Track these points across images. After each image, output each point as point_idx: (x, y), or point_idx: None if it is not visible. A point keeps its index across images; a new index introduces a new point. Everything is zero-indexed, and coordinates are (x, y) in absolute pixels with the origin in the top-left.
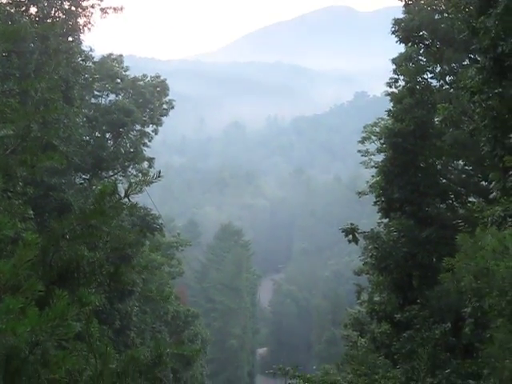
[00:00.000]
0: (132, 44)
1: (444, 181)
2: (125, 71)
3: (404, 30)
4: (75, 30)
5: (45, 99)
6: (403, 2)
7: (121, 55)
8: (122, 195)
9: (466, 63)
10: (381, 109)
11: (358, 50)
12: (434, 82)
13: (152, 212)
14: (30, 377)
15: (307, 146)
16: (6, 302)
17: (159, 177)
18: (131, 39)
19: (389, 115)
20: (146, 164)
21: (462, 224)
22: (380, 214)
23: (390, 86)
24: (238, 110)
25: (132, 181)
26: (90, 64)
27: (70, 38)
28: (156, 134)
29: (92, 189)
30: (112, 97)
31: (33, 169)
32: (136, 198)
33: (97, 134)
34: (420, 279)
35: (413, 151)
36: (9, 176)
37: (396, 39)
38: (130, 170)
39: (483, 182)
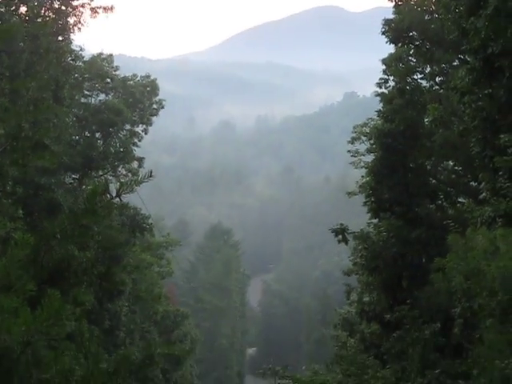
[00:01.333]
0: (122, 43)
1: (434, 181)
2: (115, 71)
3: (394, 31)
4: (65, 29)
5: (35, 99)
6: (393, 3)
7: (111, 55)
8: (113, 195)
9: (456, 64)
10: (371, 109)
11: (349, 51)
12: (424, 83)
13: (141, 211)
14: (22, 377)
15: (297, 145)
16: (0, 301)
17: (150, 176)
18: (121, 38)
19: (379, 116)
20: (135, 164)
21: (452, 224)
22: (370, 214)
23: (380, 87)
24: (228, 109)
25: (123, 180)
26: (80, 63)
27: (61, 38)
28: (146, 133)
29: (82, 188)
30: (102, 96)
31: (24, 168)
32: (126, 198)
33: (87, 133)
34: (409, 279)
35: (403, 152)
36: (0, 175)
37: (386, 40)
38: (119, 169)
39: (473, 183)
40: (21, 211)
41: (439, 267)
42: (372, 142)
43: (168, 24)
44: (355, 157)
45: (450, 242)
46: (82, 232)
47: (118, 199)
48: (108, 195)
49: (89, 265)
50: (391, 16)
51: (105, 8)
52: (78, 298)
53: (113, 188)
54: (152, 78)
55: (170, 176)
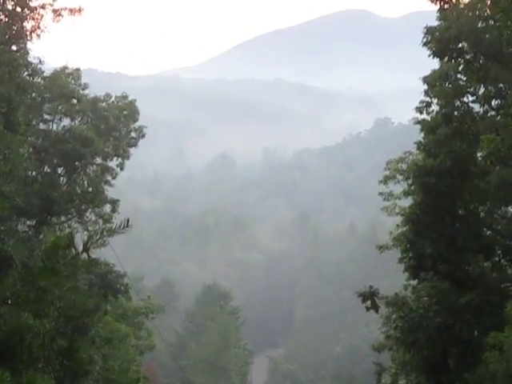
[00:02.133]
0: (93, 55)
1: (489, 232)
2: (83, 89)
3: (439, 41)
4: (21, 36)
5: None
6: (437, 6)
7: (78, 69)
8: (80, 249)
9: None
10: (408, 140)
11: (380, 66)
12: (477, 107)
13: (115, 269)
14: None
15: (314, 185)
16: None
17: (127, 226)
18: (92, 49)
19: (419, 148)
20: (108, 207)
21: None
22: (407, 273)
23: (421, 112)
24: (227, 139)
25: (91, 230)
26: (39, 80)
27: (15, 47)
28: (122, 169)
29: (39, 239)
30: (66, 122)
31: None
32: (96, 252)
33: (46, 168)
34: (458, 358)
35: (449, 194)
36: None
37: (428, 52)
38: (87, 215)
39: None
40: None
41: (495, 343)
42: (410, 181)
43: (152, 33)
44: (388, 201)
45: (509, 312)
46: (39, 296)
47: (85, 254)
48: (73, 250)
49: (47, 338)
50: (434, 23)
51: (71, 10)
52: (33, 381)
53: (79, 240)
54: (130, 98)
55: (153, 223)
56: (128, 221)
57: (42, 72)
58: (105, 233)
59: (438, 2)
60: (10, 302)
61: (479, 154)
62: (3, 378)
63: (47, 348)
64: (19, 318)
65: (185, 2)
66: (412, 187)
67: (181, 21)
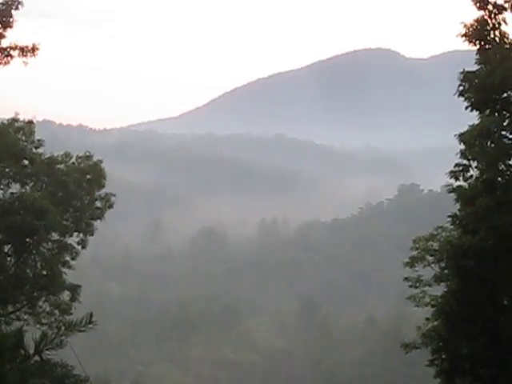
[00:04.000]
0: (49, 105)
1: None
2: (37, 147)
3: (478, 90)
4: None
5: None
6: (476, 46)
7: (31, 122)
8: (30, 350)
9: None
10: (440, 212)
11: (404, 119)
12: None
13: (75, 372)
14: None
15: (323, 268)
16: None
17: (90, 323)
18: (48, 98)
19: (453, 223)
20: (66, 295)
21: None
22: (439, 379)
23: (456, 177)
24: (215, 210)
25: (47, 328)
26: None
27: None
28: (84, 247)
29: None
30: (15, 187)
31: None
32: (51, 352)
33: None
34: None
35: (491, 280)
36: None
37: (466, 103)
38: (40, 303)
39: None
40: None
41: None
42: (443, 264)
43: (122, 78)
44: (416, 288)
45: None
46: None
47: (37, 356)
48: (22, 351)
49: None
50: (473, 67)
51: (22, 49)
52: None
53: (30, 338)
54: (95, 159)
55: (122, 314)
56: (91, 316)
57: None
58: (63, 330)
59: (476, 42)
60: None
61: None
62: None
63: None
64: None
65: (166, 39)
66: (445, 271)
67: (157, 62)
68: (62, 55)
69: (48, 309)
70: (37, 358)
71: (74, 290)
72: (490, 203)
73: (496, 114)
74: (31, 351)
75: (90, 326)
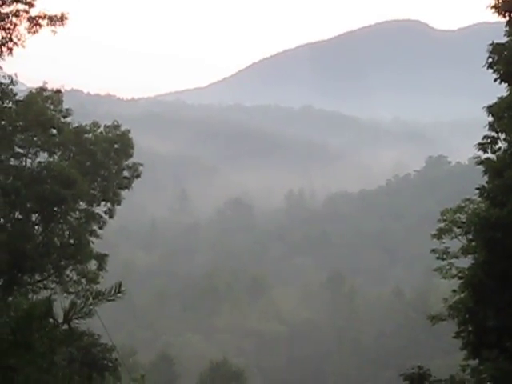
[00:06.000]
0: (78, 74)
1: None
2: (65, 117)
3: (507, 63)
4: None
5: None
6: (506, 18)
7: (59, 91)
8: (59, 318)
9: None
10: (468, 184)
11: (433, 91)
12: None
13: (101, 341)
14: None
15: (350, 239)
16: None
17: (119, 292)
18: (77, 67)
19: (481, 195)
20: (93, 264)
21: None
22: (465, 351)
23: (485, 150)
24: (242, 180)
25: (75, 297)
26: (10, 104)
27: None
28: (111, 216)
29: (8, 302)
30: (43, 156)
31: None
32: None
33: (17, 214)
34: None
35: None
36: None
37: (495, 75)
38: (68, 272)
39: None
40: None
41: None
42: (471, 236)
43: (151, 48)
44: (443, 260)
45: None
46: (7, 378)
47: (66, 326)
48: (51, 320)
49: None
50: (502, 39)
51: (51, 18)
52: None
53: (59, 307)
54: (123, 128)
55: (148, 284)
56: (120, 285)
57: (15, 95)
58: (91, 299)
59: (507, 14)
60: None
61: None
62: None
63: None
64: None
65: (192, 11)
66: (473, 243)
67: (186, 33)
68: (90, 30)
69: (75, 278)
70: (65, 326)
71: (102, 259)
72: None
73: None
74: (59, 320)
75: (119, 295)
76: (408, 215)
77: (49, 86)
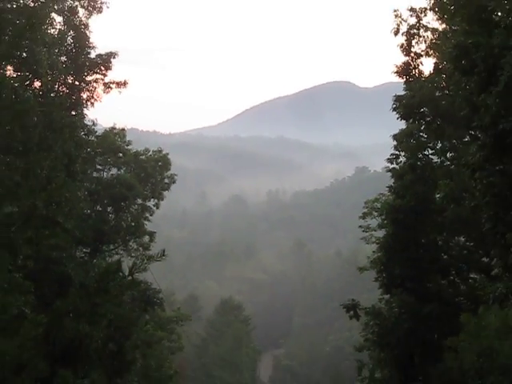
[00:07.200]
0: (135, 118)
1: (445, 257)
2: (127, 145)
3: (405, 107)
4: (78, 104)
5: (48, 176)
6: (404, 79)
7: (123, 129)
8: (126, 272)
9: (466, 140)
10: (382, 184)
11: (360, 126)
12: (435, 159)
13: (152, 286)
14: None
15: (308, 220)
16: None
17: (163, 255)
18: (134, 113)
19: (390, 191)
20: (147, 238)
21: (464, 301)
22: (381, 289)
23: (391, 162)
24: (240, 183)
25: (135, 259)
26: (93, 138)
27: (74, 112)
28: (157, 208)
29: (93, 263)
30: (114, 171)
31: (37, 246)
32: (137, 273)
33: (98, 207)
34: (421, 356)
35: (414, 227)
36: (14, 253)
37: (397, 116)
38: (131, 243)
39: (485, 259)
40: (31, 285)
41: (452, 346)
42: (383, 217)
43: (181, 99)
44: (366, 232)
45: (463, 321)
46: (93, 310)
47: (130, 277)
48: (121, 274)
49: (101, 343)
50: (402, 92)
51: (118, 83)
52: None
53: (125, 265)
54: (164, 152)
55: (181, 250)
56: (164, 251)
57: (95, 132)
58: (145, 260)
59: (404, 76)
60: (71, 314)
61: (437, 196)
62: (66, 378)
63: (101, 351)
64: (78, 328)
65: (205, 76)
66: (385, 221)
67: (204, 89)
68: (145, 88)
69: (135, 247)
70: (129, 278)
71: (152, 234)
72: (413, 178)
73: (416, 122)
74: (126, 274)
75: (163, 257)
76: (344, 204)
77: (116, 126)
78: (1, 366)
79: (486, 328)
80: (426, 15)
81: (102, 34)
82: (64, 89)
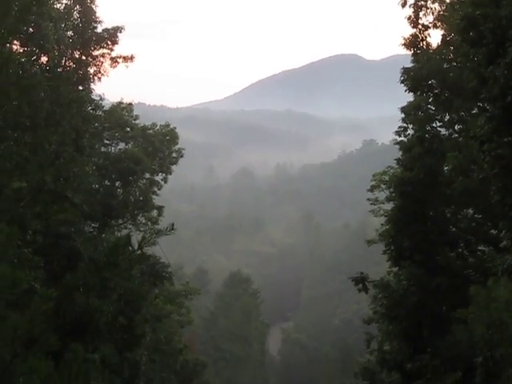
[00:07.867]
0: (141, 92)
1: (454, 229)
2: (134, 120)
3: (413, 79)
4: (86, 79)
5: (57, 151)
6: (411, 51)
7: (130, 104)
8: (135, 247)
9: (475, 112)
10: (390, 157)
11: (367, 99)
12: (443, 131)
13: (161, 260)
14: None
15: (316, 193)
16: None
17: (172, 229)
18: (141, 87)
19: (398, 164)
20: (155, 212)
21: (473, 274)
22: (390, 262)
23: (399, 135)
24: (247, 157)
25: (144, 233)
26: (100, 113)
27: (81, 87)
28: (165, 182)
29: (102, 237)
30: (122, 145)
31: (46, 221)
32: (146, 248)
33: (106, 182)
34: (430, 328)
35: (422, 200)
36: (23, 228)
37: (405, 88)
38: (139, 218)
39: (493, 231)
40: (41, 260)
41: (461, 318)
42: (391, 190)
43: (187, 73)
44: (374, 205)
45: (472, 293)
46: (103, 284)
47: (139, 251)
48: (130, 248)
49: (111, 317)
50: (410, 64)
51: (125, 58)
52: (105, 359)
53: (133, 239)
54: (171, 126)
55: (189, 224)
56: (172, 225)
57: (103, 107)
58: (154, 234)
59: (412, 49)
60: (81, 288)
61: (445, 168)
62: (77, 351)
63: (111, 325)
64: (88, 302)
65: (212, 49)
66: (393, 194)
67: (210, 63)
68: (149, 62)
69: (144, 221)
70: (139, 252)
71: (160, 209)
72: (421, 151)
73: (424, 95)
74: (135, 248)
75: (172, 231)
76: (351, 177)
77: (124, 101)
78: (12, 341)
79: (496, 300)
80: None
81: (107, 8)
82: (71, 64)
